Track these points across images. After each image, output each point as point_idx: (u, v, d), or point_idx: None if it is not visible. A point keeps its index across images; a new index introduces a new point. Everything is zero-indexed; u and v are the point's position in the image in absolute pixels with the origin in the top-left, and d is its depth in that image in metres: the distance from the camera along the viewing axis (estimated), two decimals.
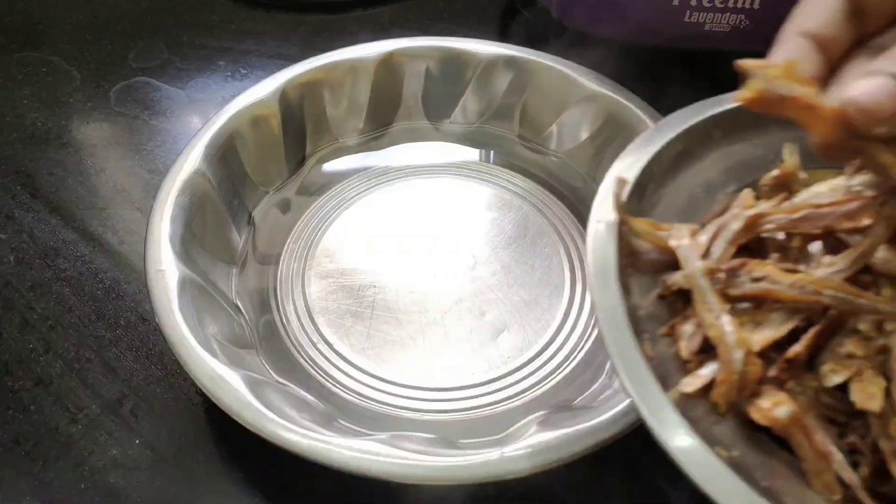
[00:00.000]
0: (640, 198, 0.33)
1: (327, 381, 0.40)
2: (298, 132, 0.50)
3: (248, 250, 0.46)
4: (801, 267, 0.29)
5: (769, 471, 0.26)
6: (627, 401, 0.33)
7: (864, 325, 0.27)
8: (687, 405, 0.26)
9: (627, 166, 0.32)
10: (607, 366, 0.40)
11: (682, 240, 0.30)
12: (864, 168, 0.29)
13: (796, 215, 0.29)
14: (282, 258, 0.45)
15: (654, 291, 0.30)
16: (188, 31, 0.62)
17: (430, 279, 0.44)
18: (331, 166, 0.51)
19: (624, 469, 0.36)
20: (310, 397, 0.38)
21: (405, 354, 0.41)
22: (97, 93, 0.56)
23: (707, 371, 0.27)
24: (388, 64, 0.51)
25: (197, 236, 0.42)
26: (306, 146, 0.51)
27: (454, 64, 0.52)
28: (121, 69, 0.58)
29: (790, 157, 0.33)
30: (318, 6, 0.64)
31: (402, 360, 0.41)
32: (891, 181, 0.23)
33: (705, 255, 0.30)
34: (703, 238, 0.30)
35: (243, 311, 0.42)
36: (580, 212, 0.48)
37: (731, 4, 0.50)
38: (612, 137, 0.48)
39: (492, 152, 0.52)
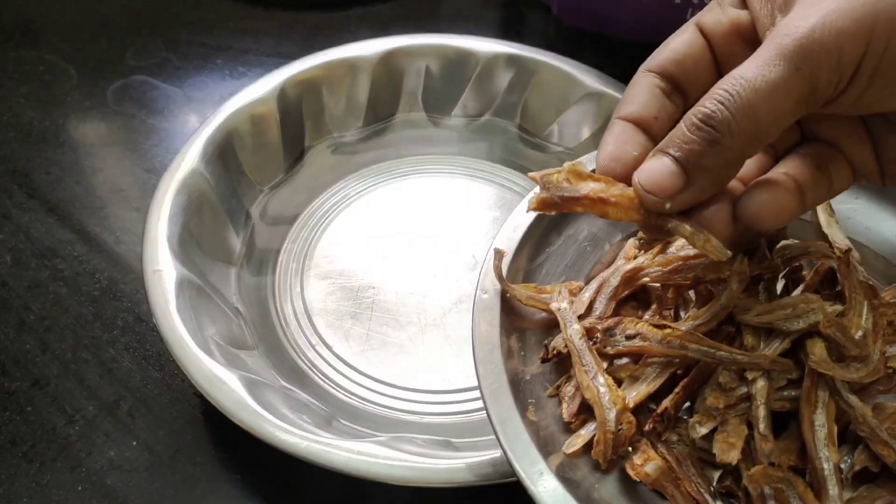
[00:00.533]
0: (529, 260, 0.35)
1: (326, 382, 0.40)
2: (297, 131, 0.50)
3: (246, 250, 0.45)
4: (670, 322, 0.31)
5: None
6: None
7: (723, 378, 0.28)
8: (570, 465, 0.28)
9: (507, 237, 0.34)
10: None
11: (562, 303, 0.31)
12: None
13: (668, 268, 0.32)
14: (280, 258, 0.45)
15: (539, 355, 0.32)
16: (186, 30, 0.61)
17: (430, 280, 0.44)
18: (329, 165, 0.51)
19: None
20: (309, 399, 0.38)
21: (404, 356, 0.41)
22: (94, 91, 0.56)
23: (587, 431, 0.29)
24: (387, 62, 0.51)
25: (195, 236, 0.42)
26: (305, 144, 0.51)
27: (454, 62, 0.52)
28: (118, 68, 0.58)
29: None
30: (317, 4, 0.64)
31: (401, 362, 0.40)
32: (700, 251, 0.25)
33: (588, 310, 0.32)
34: (587, 295, 0.32)
35: (241, 311, 0.42)
36: None
37: None
38: None
39: (492, 151, 0.52)
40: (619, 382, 0.30)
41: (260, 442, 0.33)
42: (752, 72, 0.22)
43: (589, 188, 0.25)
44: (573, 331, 0.30)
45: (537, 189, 0.26)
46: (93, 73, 0.57)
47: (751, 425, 0.28)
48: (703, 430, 0.28)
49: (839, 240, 0.34)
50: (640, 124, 0.26)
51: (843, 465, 0.28)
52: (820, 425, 0.27)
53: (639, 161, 0.25)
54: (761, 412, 0.27)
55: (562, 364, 0.31)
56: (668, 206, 0.24)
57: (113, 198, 0.49)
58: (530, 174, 0.27)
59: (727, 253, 0.25)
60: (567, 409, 0.30)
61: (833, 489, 0.26)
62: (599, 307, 0.32)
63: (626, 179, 0.25)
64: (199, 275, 0.40)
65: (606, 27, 0.56)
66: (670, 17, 0.51)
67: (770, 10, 0.25)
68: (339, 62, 0.50)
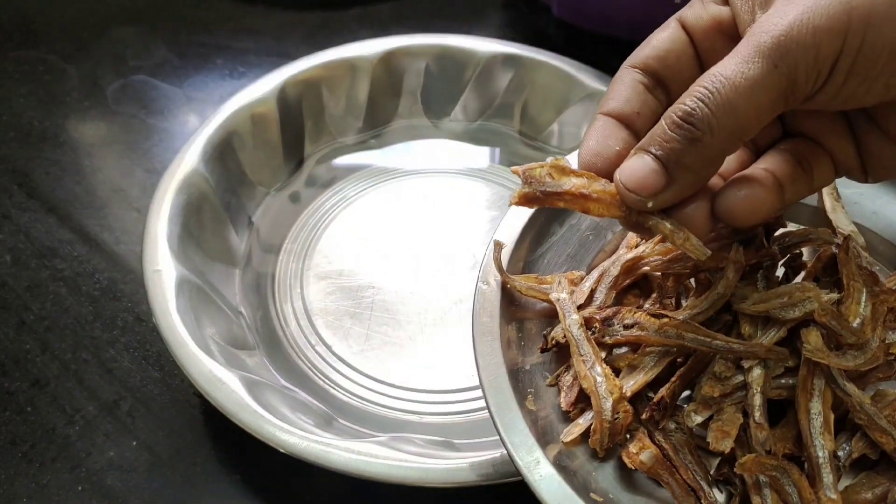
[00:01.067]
0: (532, 250, 0.35)
1: (326, 382, 0.40)
2: (297, 131, 0.50)
3: (245, 250, 0.45)
4: (670, 311, 0.31)
5: None
6: None
7: (719, 367, 0.28)
8: (568, 454, 0.28)
9: (508, 228, 0.34)
10: None
11: (562, 293, 0.32)
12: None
13: (668, 257, 0.32)
14: (280, 258, 0.45)
15: (538, 345, 0.32)
16: (186, 29, 0.61)
17: (430, 279, 0.44)
18: (329, 165, 0.51)
19: None
20: (309, 399, 0.38)
21: (404, 356, 0.41)
22: (94, 91, 0.56)
23: (584, 420, 0.29)
24: (387, 62, 0.51)
25: (195, 236, 0.42)
26: (305, 145, 0.51)
27: (454, 62, 0.52)
28: (118, 68, 0.58)
29: None
30: (318, 3, 0.64)
31: (401, 362, 0.40)
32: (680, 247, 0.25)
33: (589, 300, 0.32)
34: (587, 285, 0.32)
35: (241, 311, 0.42)
36: None
37: None
38: None
39: (492, 151, 0.52)
40: (617, 371, 0.30)
41: (260, 442, 0.33)
42: (731, 69, 0.22)
43: (571, 184, 0.25)
44: (572, 321, 0.30)
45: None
46: (93, 73, 0.57)
47: (747, 414, 0.28)
48: (699, 419, 0.28)
49: (843, 225, 0.34)
50: (622, 119, 0.26)
51: (841, 453, 0.28)
52: (816, 413, 0.27)
53: (621, 156, 0.25)
54: (757, 400, 0.27)
55: (562, 354, 0.31)
56: (649, 204, 0.24)
57: (113, 198, 0.49)
58: (513, 168, 0.27)
59: (706, 252, 0.25)
60: (565, 399, 0.30)
61: (828, 477, 0.26)
62: (600, 297, 0.32)
63: (608, 175, 0.25)
64: (199, 275, 0.40)
65: (606, 27, 0.56)
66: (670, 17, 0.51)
67: (751, 6, 0.25)
68: (339, 62, 0.50)
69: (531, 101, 0.51)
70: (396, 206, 0.48)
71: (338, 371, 0.40)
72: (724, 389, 0.28)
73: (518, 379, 0.30)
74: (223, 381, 0.34)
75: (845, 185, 0.35)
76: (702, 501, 0.28)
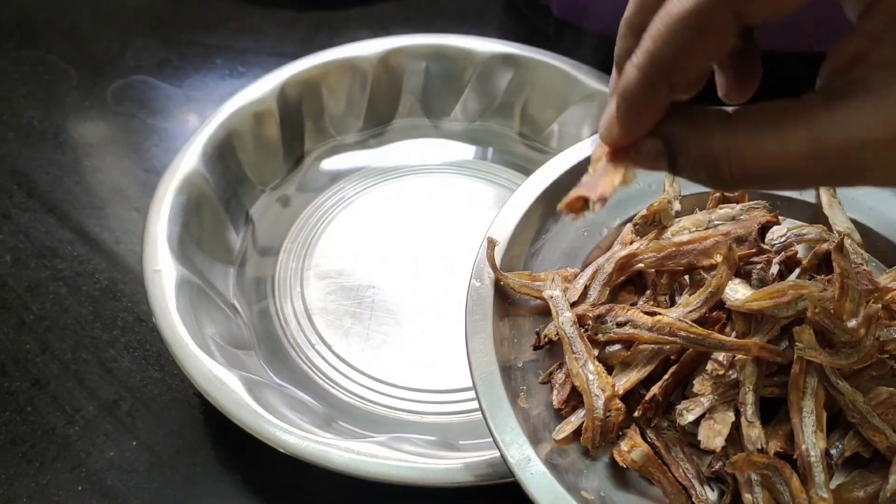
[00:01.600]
0: (527, 247, 0.35)
1: (326, 382, 0.40)
2: (297, 130, 0.50)
3: (245, 250, 0.45)
4: (663, 308, 0.31)
5: None
6: None
7: (710, 365, 0.28)
8: (560, 452, 0.28)
9: (501, 226, 0.34)
10: None
11: (555, 290, 0.32)
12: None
13: (662, 254, 0.32)
14: (280, 258, 0.45)
15: (531, 343, 0.32)
16: (186, 29, 0.61)
17: (430, 279, 0.44)
18: (329, 165, 0.51)
19: None
20: (308, 399, 0.38)
21: (405, 355, 0.40)
22: (94, 91, 0.56)
23: (576, 418, 0.29)
24: (387, 62, 0.51)
25: (194, 236, 0.42)
26: (305, 144, 0.51)
27: (454, 62, 0.51)
28: (118, 68, 0.58)
29: (671, 187, 0.36)
30: (317, 4, 0.64)
31: (401, 362, 0.40)
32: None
33: (583, 297, 0.32)
34: (581, 282, 0.32)
35: (241, 311, 0.42)
36: None
37: None
38: None
39: (492, 151, 0.52)
40: (610, 369, 0.30)
41: (260, 442, 0.33)
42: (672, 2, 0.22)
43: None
44: (564, 318, 0.30)
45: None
46: (93, 73, 0.57)
47: (739, 412, 0.28)
48: (691, 417, 0.28)
49: (840, 221, 0.34)
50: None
51: (834, 451, 0.28)
52: (808, 412, 0.27)
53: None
54: (749, 398, 0.27)
55: (555, 351, 0.31)
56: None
57: (113, 198, 0.49)
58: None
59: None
60: (557, 396, 0.30)
61: (819, 476, 0.26)
62: (594, 294, 0.32)
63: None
64: (199, 275, 0.40)
65: (606, 27, 0.56)
66: None
67: None
68: (339, 62, 0.50)
69: (531, 101, 0.51)
70: (396, 206, 0.48)
71: (338, 371, 0.40)
72: (717, 388, 0.28)
73: (510, 376, 0.30)
74: (223, 381, 0.34)
75: None
76: (693, 499, 0.28)
